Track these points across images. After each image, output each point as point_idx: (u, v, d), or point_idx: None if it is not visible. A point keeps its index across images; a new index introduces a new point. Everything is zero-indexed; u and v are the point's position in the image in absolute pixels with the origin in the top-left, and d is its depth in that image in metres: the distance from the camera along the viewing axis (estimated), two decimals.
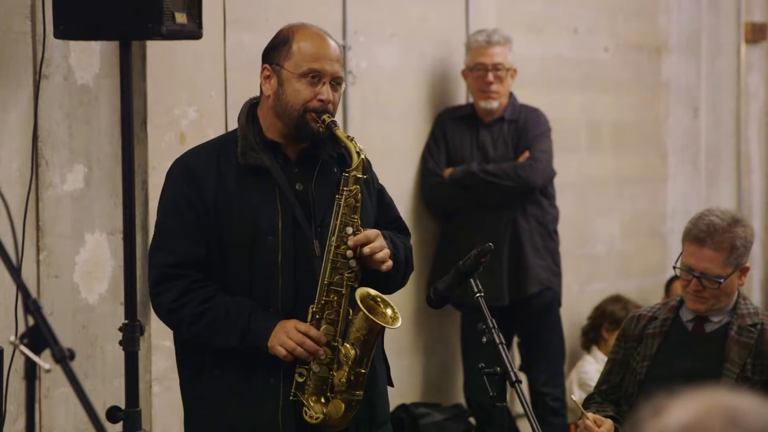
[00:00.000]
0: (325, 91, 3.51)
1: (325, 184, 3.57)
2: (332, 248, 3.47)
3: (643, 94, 7.33)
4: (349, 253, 3.46)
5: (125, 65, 4.33)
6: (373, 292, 3.55)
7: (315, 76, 3.51)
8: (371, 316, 3.46)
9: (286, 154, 3.59)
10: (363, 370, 3.51)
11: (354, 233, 3.47)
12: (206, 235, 3.52)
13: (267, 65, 3.58)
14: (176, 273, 3.52)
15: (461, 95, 6.20)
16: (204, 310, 3.50)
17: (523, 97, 6.08)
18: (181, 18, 4.25)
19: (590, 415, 3.83)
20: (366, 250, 3.46)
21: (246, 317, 3.48)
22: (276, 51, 3.57)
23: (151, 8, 4.14)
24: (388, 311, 3.54)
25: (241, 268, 3.52)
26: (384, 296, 3.57)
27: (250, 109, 3.62)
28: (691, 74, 7.66)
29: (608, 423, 3.87)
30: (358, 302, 3.45)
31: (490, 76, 5.90)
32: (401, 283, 3.76)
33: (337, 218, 3.48)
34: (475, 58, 5.93)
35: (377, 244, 3.49)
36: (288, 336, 3.44)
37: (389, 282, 3.64)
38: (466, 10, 6.23)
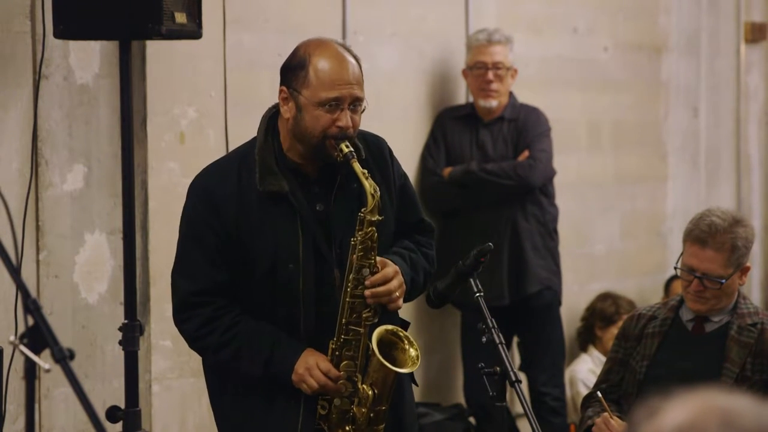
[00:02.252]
0: (344, 117, 3.44)
1: (344, 202, 3.53)
2: (349, 290, 3.45)
3: (643, 94, 7.33)
4: (367, 292, 3.45)
5: (125, 65, 4.32)
6: (393, 328, 3.52)
7: (333, 104, 3.45)
8: (386, 363, 3.43)
9: (305, 173, 3.55)
10: (383, 407, 3.52)
11: (371, 273, 3.45)
12: (229, 261, 3.50)
13: (284, 87, 3.51)
14: (199, 301, 3.52)
15: (461, 95, 6.20)
16: (228, 340, 3.50)
17: (523, 97, 6.08)
18: (180, 18, 4.25)
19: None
20: (370, 300, 3.45)
21: (269, 348, 3.48)
22: (293, 74, 3.49)
23: (151, 8, 4.14)
24: (411, 351, 3.51)
25: (263, 294, 3.52)
26: (406, 333, 3.53)
27: (269, 121, 3.57)
28: (691, 74, 7.66)
29: (624, 425, 3.87)
30: (374, 346, 3.42)
31: (490, 75, 5.89)
32: (421, 292, 3.75)
33: (353, 258, 3.45)
34: (475, 57, 5.93)
35: (394, 285, 3.48)
36: (311, 375, 3.45)
37: (408, 297, 3.63)
38: (466, 10, 6.23)
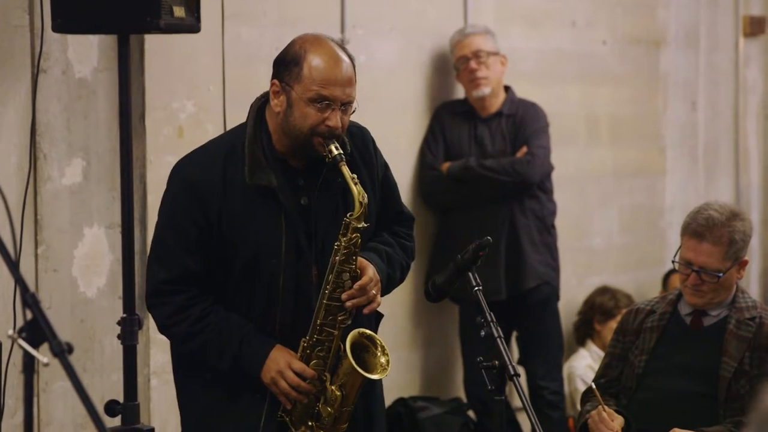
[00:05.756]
0: (334, 118, 3.43)
1: (328, 194, 3.53)
2: (327, 292, 3.44)
3: (642, 88, 7.33)
4: (344, 296, 3.44)
5: (123, 59, 4.32)
6: (367, 332, 3.52)
7: (324, 103, 3.43)
8: (358, 369, 3.44)
9: (292, 166, 3.54)
10: (349, 409, 3.53)
11: (352, 279, 3.43)
12: (207, 251, 3.50)
13: (276, 81, 3.50)
14: (171, 289, 3.52)
15: (459, 90, 6.19)
16: (197, 330, 3.51)
17: (521, 91, 6.08)
18: (179, 11, 4.25)
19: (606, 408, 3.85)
20: (348, 304, 3.44)
21: (238, 344, 3.48)
22: (287, 69, 3.47)
23: (149, 2, 4.14)
24: (382, 359, 3.51)
25: (242, 286, 3.51)
26: (379, 338, 3.53)
27: (258, 111, 3.56)
28: (690, 67, 7.66)
29: (620, 420, 3.87)
30: (347, 350, 3.43)
31: (473, 63, 5.89)
32: (396, 286, 3.73)
33: (333, 269, 3.44)
34: (456, 54, 5.96)
35: (372, 292, 3.47)
36: (283, 376, 3.46)
37: (383, 293, 3.62)
38: (464, 3, 6.22)
